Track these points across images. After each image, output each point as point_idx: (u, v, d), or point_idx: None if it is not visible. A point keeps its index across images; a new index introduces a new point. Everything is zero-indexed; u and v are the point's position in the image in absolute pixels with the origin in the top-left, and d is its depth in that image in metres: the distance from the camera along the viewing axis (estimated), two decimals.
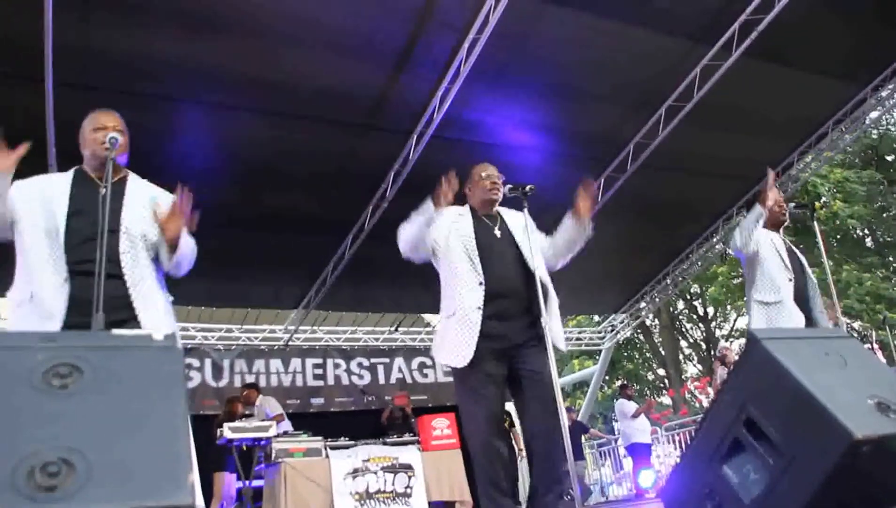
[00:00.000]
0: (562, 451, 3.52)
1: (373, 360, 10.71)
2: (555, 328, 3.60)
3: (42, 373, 1.28)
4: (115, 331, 1.43)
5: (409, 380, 10.52)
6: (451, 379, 10.38)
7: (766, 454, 1.95)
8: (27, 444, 1.16)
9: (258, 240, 8.20)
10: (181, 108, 6.79)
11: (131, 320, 2.81)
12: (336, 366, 10.54)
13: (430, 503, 7.15)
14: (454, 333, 3.52)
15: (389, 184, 7.92)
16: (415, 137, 7.50)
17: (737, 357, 3.50)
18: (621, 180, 8.91)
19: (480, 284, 3.55)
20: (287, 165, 7.61)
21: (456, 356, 3.50)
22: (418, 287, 10.10)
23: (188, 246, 3.01)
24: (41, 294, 2.80)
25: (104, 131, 2.96)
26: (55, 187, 2.97)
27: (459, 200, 4.00)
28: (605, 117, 8.36)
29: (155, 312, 2.88)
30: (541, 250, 3.80)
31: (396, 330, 11.25)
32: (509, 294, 3.60)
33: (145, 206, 2.99)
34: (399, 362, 10.61)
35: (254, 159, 7.41)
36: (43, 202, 2.91)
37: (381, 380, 10.57)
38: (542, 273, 3.67)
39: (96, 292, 2.54)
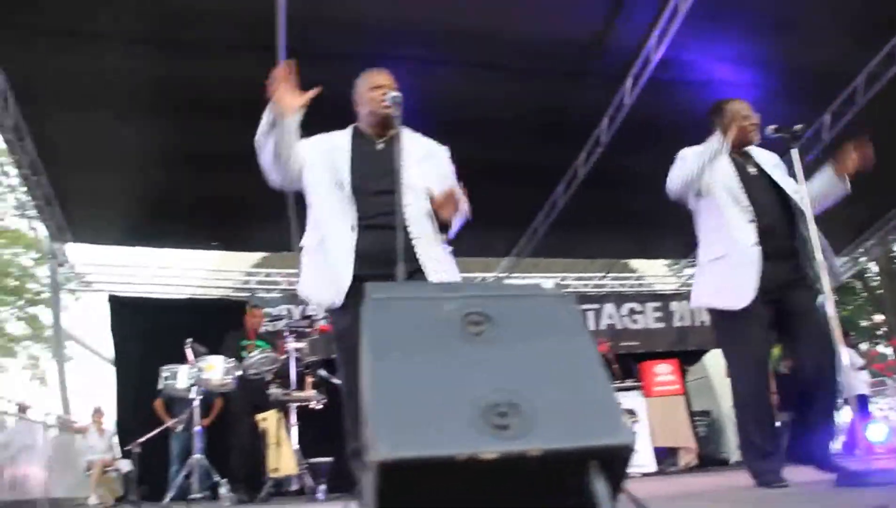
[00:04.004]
0: (834, 393, 3.46)
1: (583, 306, 10.70)
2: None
3: (459, 321, 1.38)
4: (506, 281, 1.50)
5: (619, 326, 10.46)
6: (661, 325, 10.32)
7: None
8: (473, 387, 1.26)
9: (470, 192, 8.33)
10: (383, 66, 6.94)
11: (417, 271, 2.97)
12: None
13: (654, 448, 7.14)
14: (727, 274, 3.47)
15: (604, 130, 7.81)
16: (630, 80, 7.32)
17: None
18: (850, 115, 8.27)
19: (751, 221, 3.49)
20: (495, 117, 7.65)
21: (732, 297, 3.44)
22: (627, 233, 10.02)
23: (460, 220, 3.15)
24: (328, 243, 3.03)
25: (381, 90, 3.14)
26: (336, 142, 3.19)
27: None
28: (828, 49, 7.74)
29: (438, 263, 3.02)
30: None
31: (606, 276, 11.21)
32: (776, 231, 3.51)
33: (423, 159, 3.15)
34: (609, 308, 10.55)
35: (462, 113, 7.49)
36: (327, 155, 3.14)
37: (591, 326, 10.55)
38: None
39: (399, 244, 2.72)
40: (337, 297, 2.97)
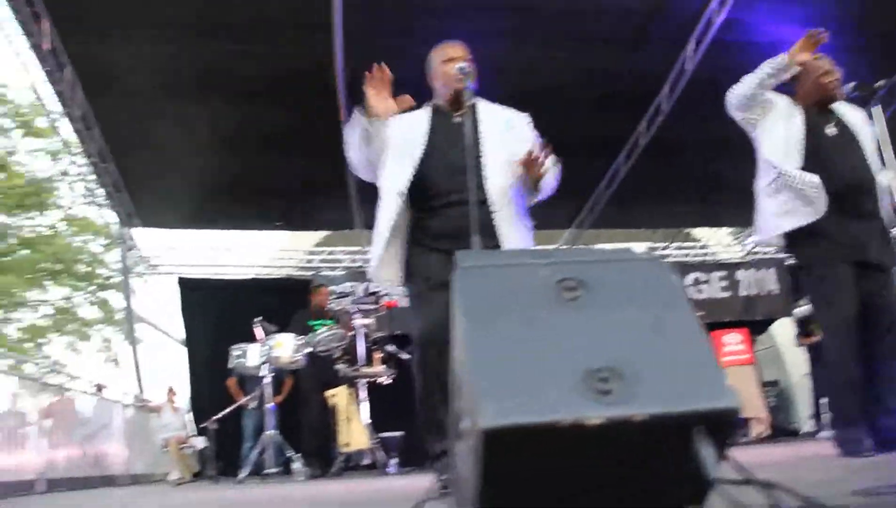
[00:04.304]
0: None
1: None
2: None
3: (552, 287, 1.37)
4: (597, 246, 1.48)
5: None
6: (728, 294, 10.12)
7: None
8: (572, 352, 1.24)
9: None
10: (438, 41, 6.87)
11: (494, 247, 2.95)
12: None
13: None
14: (794, 191, 3.38)
15: (665, 97, 7.65)
16: (691, 44, 7.13)
17: None
18: None
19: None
20: (553, 87, 7.53)
21: (805, 212, 3.34)
22: (690, 202, 9.83)
23: (551, 182, 3.12)
24: (378, 215, 3.05)
25: (452, 63, 3.11)
26: (414, 121, 3.18)
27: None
28: None
29: (517, 239, 2.99)
30: None
31: (669, 246, 11.04)
32: (855, 194, 3.39)
33: (502, 130, 3.11)
34: None
35: (519, 85, 7.37)
36: (404, 135, 3.13)
37: None
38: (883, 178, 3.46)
39: (473, 218, 2.70)
40: (374, 263, 3.06)
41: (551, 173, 3.10)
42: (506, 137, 3.09)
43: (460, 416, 1.40)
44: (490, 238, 2.89)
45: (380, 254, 3.03)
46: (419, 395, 2.92)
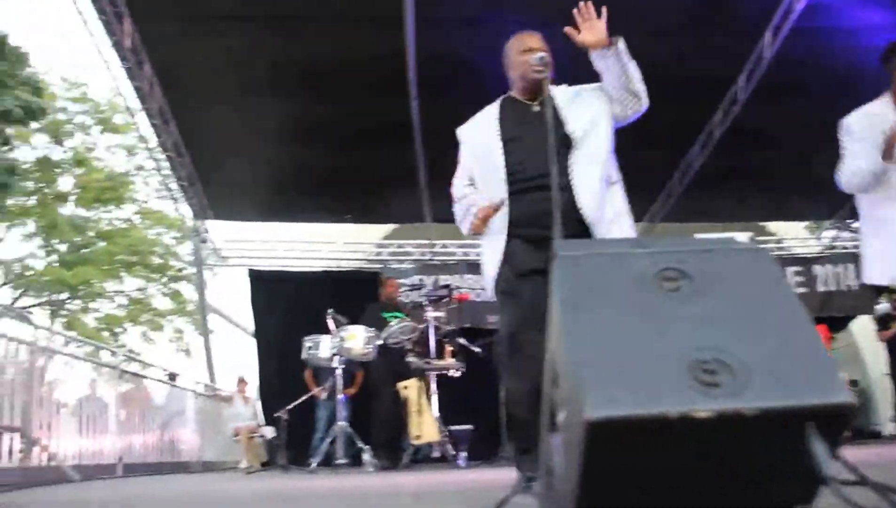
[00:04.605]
0: None
1: None
2: None
3: (652, 277, 1.33)
4: (698, 235, 1.43)
5: None
6: (804, 290, 9.80)
7: None
8: (676, 344, 1.20)
9: None
10: (505, 31, 6.79)
11: (582, 233, 2.91)
12: None
13: None
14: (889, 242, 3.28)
15: (741, 86, 7.42)
16: (769, 32, 6.90)
17: None
18: None
19: None
20: None
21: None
22: (766, 195, 9.57)
23: (630, 66, 3.10)
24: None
25: (531, 53, 3.08)
26: (483, 128, 3.20)
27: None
28: None
29: (605, 221, 2.95)
30: None
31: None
32: None
33: (570, 107, 3.08)
34: None
35: (590, 74, 7.27)
36: (481, 146, 3.15)
37: None
38: None
39: (555, 204, 2.66)
40: (489, 281, 3.05)
41: (631, 63, 3.09)
42: (576, 104, 3.10)
43: (557, 408, 1.37)
44: (573, 224, 2.86)
45: (493, 277, 3.03)
46: (505, 389, 2.92)
